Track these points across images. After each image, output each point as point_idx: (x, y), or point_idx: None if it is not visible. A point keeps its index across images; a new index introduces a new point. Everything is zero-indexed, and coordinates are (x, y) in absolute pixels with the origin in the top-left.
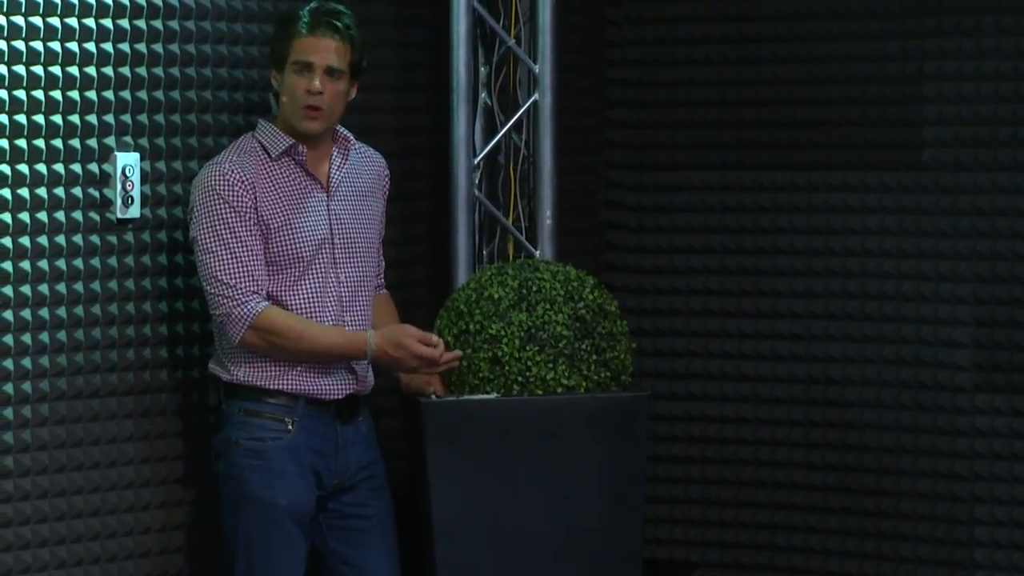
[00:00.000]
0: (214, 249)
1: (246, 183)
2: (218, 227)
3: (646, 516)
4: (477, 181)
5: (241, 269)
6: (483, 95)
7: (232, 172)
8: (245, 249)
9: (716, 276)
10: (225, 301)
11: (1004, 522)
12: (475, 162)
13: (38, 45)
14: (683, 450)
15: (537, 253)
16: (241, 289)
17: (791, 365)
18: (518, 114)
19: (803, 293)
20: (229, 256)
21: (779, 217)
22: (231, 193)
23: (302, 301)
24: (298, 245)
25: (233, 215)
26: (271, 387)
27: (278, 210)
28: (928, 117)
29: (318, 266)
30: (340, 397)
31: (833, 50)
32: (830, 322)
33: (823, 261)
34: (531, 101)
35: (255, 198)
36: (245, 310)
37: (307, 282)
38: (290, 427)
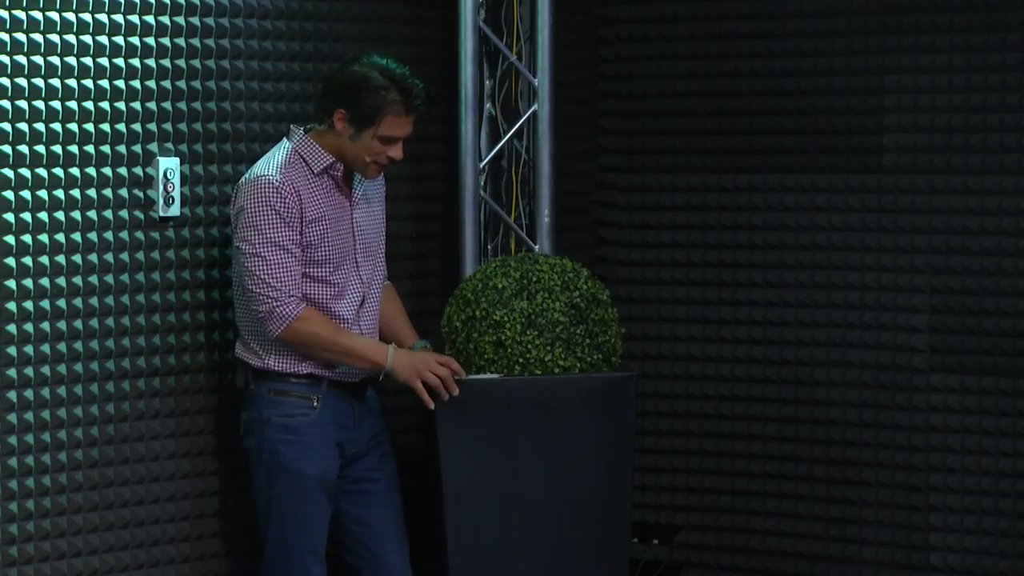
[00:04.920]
0: (263, 254)
1: (295, 195)
2: (268, 234)
3: (635, 483)
4: (483, 183)
5: (286, 274)
6: (488, 106)
7: (284, 186)
8: (290, 256)
9: (698, 268)
10: (269, 300)
11: (956, 489)
12: (481, 166)
13: (88, 61)
14: (668, 424)
15: (537, 248)
16: (284, 291)
17: (765, 348)
18: (519, 123)
19: (776, 283)
20: (276, 261)
21: (754, 215)
22: (283, 206)
23: (328, 296)
24: (332, 249)
25: (282, 225)
26: (300, 372)
27: (319, 219)
28: (888, 125)
29: (345, 268)
30: (356, 381)
31: (804, 65)
32: (800, 309)
33: (794, 255)
34: (531, 111)
35: (301, 209)
36: (286, 310)
37: (335, 280)
38: (315, 404)
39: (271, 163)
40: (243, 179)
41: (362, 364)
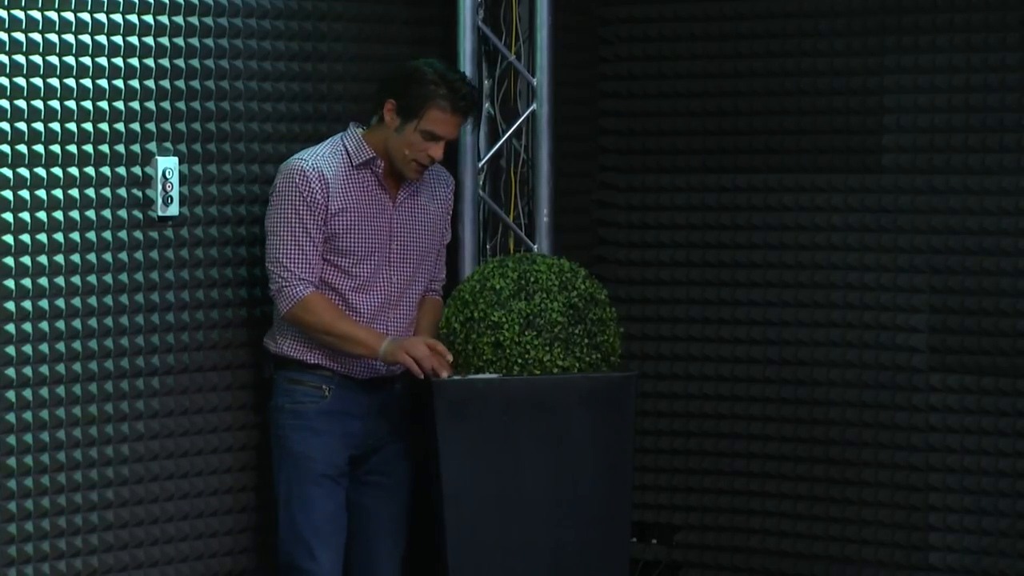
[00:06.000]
0: (282, 234)
1: (323, 181)
2: (290, 216)
3: (634, 483)
4: (481, 183)
5: (301, 256)
6: (487, 105)
7: (312, 171)
8: (309, 240)
9: (697, 268)
10: (279, 280)
11: (955, 489)
12: (479, 166)
13: (87, 60)
14: (667, 424)
15: (535, 248)
16: (296, 273)
17: (765, 348)
18: (518, 122)
19: (776, 283)
20: (293, 243)
21: (754, 215)
22: (308, 190)
23: (350, 289)
24: (356, 243)
25: (305, 208)
26: (309, 361)
27: (346, 210)
28: (888, 125)
29: (371, 264)
30: (364, 378)
31: (803, 65)
32: (800, 309)
33: (793, 255)
34: (530, 111)
35: (327, 196)
36: (295, 291)
37: (357, 273)
38: (326, 393)
39: (312, 150)
40: (283, 163)
41: (358, 349)
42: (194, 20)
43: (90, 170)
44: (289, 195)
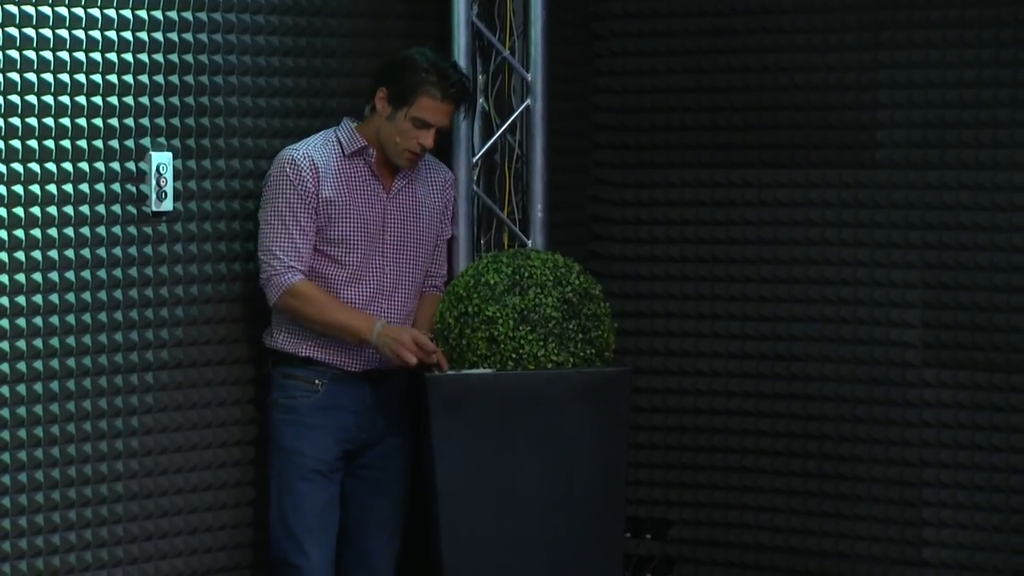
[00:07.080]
0: (273, 223)
1: (314, 169)
2: (281, 205)
3: (628, 478)
4: (476, 178)
5: (291, 245)
6: (481, 100)
7: (303, 160)
8: (299, 229)
9: (691, 263)
10: (268, 268)
11: (948, 484)
12: (474, 161)
13: (80, 56)
14: (662, 419)
15: (529, 243)
16: (285, 261)
17: (758, 343)
18: (512, 117)
19: (770, 279)
20: (283, 232)
21: (748, 211)
22: (298, 179)
23: (341, 279)
24: (348, 232)
25: (295, 197)
26: (301, 354)
27: (336, 199)
28: (882, 121)
29: (363, 253)
30: (357, 370)
31: (798, 61)
32: (793, 305)
33: (787, 250)
34: (524, 106)
35: (318, 184)
36: (284, 279)
37: (348, 262)
38: (319, 388)
39: (304, 141)
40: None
41: (349, 338)
42: (188, 16)
43: (84, 166)
44: (280, 185)
